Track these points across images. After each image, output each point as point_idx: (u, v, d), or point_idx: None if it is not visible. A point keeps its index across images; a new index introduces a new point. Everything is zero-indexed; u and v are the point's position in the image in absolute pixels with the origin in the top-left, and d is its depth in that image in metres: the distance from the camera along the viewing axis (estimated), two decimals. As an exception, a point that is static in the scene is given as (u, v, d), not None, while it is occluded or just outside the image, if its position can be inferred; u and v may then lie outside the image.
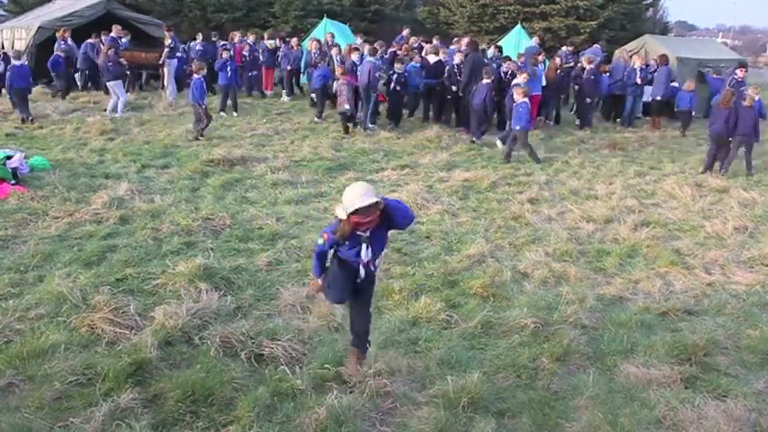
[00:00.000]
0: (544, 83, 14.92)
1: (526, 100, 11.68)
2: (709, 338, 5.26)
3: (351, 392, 4.40)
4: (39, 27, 16.61)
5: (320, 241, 4.30)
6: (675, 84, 16.09)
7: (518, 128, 11.62)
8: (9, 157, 8.99)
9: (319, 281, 4.51)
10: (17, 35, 17.79)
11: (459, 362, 4.90)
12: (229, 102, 14.91)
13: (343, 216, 4.07)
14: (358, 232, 4.18)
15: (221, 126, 13.53)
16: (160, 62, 16.53)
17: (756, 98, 11.75)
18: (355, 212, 4.00)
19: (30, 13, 21.01)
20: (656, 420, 4.30)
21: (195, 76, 12.40)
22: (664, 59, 15.92)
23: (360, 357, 4.66)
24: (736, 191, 10.16)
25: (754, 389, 4.72)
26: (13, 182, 8.59)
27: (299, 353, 4.86)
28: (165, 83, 16.47)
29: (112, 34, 16.15)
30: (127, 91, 16.46)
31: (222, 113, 14.40)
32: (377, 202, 4.00)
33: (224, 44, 16.83)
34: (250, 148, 11.62)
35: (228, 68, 14.50)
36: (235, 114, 14.47)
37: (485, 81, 12.91)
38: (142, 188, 8.92)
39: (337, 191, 9.28)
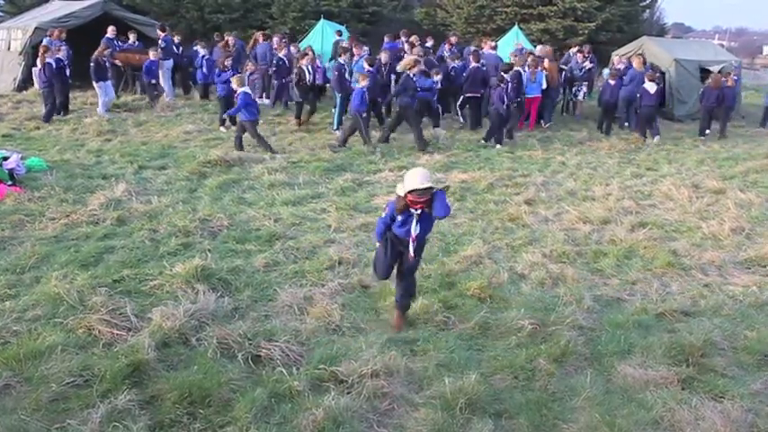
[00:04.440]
0: (545, 86, 14.94)
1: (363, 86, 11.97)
2: (706, 339, 5.27)
3: (348, 393, 4.40)
4: (35, 28, 16.57)
5: (383, 214, 5.26)
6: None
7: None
8: (6, 158, 8.98)
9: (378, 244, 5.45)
10: (13, 36, 17.74)
11: (456, 363, 4.90)
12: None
13: (401, 194, 4.96)
14: (411, 209, 5.02)
15: (219, 128, 13.51)
16: None
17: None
18: (412, 192, 4.86)
19: (27, 14, 20.96)
20: (653, 421, 4.31)
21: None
22: (637, 61, 15.68)
23: (401, 317, 5.46)
24: (732, 192, 10.18)
25: (751, 390, 4.73)
26: (9, 183, 8.57)
27: (297, 354, 4.86)
28: (161, 83, 16.43)
29: (108, 35, 16.13)
30: (122, 90, 16.48)
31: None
32: (431, 186, 4.88)
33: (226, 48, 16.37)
34: (247, 149, 11.61)
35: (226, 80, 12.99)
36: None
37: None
38: (139, 189, 8.91)
39: (335, 192, 9.29)
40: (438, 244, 7.39)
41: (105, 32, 16.26)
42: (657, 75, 15.36)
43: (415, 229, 5.11)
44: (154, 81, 15.41)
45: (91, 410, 4.05)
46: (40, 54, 13.24)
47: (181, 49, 17.34)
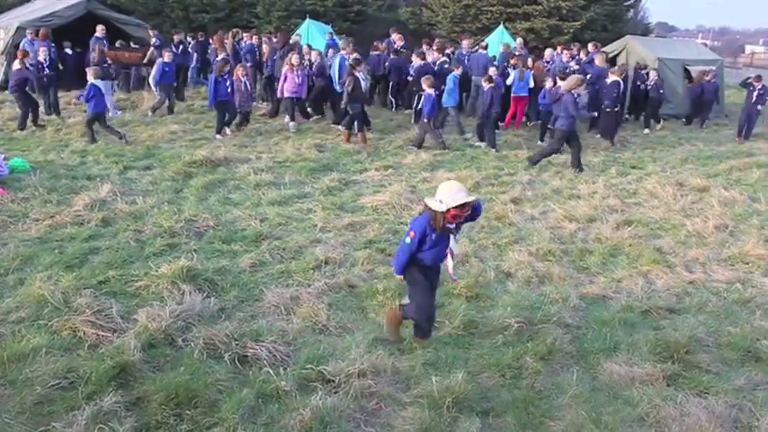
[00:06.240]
0: (531, 84, 14.97)
1: (431, 92, 12.19)
2: (690, 336, 5.31)
3: (335, 393, 4.40)
4: (17, 27, 16.43)
5: (407, 240, 4.77)
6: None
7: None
8: (-12, 159, 8.90)
9: (399, 277, 5.03)
10: (-5, 35, 17.58)
11: (443, 362, 4.91)
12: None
13: (443, 209, 4.57)
14: (447, 225, 4.69)
15: (204, 128, 13.45)
16: (144, 61, 16.48)
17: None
18: (458, 206, 4.54)
19: (8, 13, 20.76)
20: (638, 418, 4.34)
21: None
22: (600, 58, 15.36)
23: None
24: (716, 190, 10.26)
25: (735, 385, 4.78)
26: (-8, 184, 8.49)
27: (284, 354, 4.85)
28: (152, 84, 16.31)
29: (97, 34, 16.02)
30: (114, 91, 16.38)
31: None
32: (473, 200, 4.62)
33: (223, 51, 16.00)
34: (233, 149, 11.57)
35: (228, 83, 12.61)
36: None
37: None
38: (124, 190, 8.85)
39: (321, 192, 9.28)
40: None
41: (90, 32, 16.11)
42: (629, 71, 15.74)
43: (453, 243, 4.84)
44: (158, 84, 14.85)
45: (76, 413, 4.02)
46: (18, 57, 13.03)
47: (181, 48, 17.10)
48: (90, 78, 11.60)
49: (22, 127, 12.57)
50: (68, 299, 5.45)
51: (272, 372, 4.59)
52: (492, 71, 13.44)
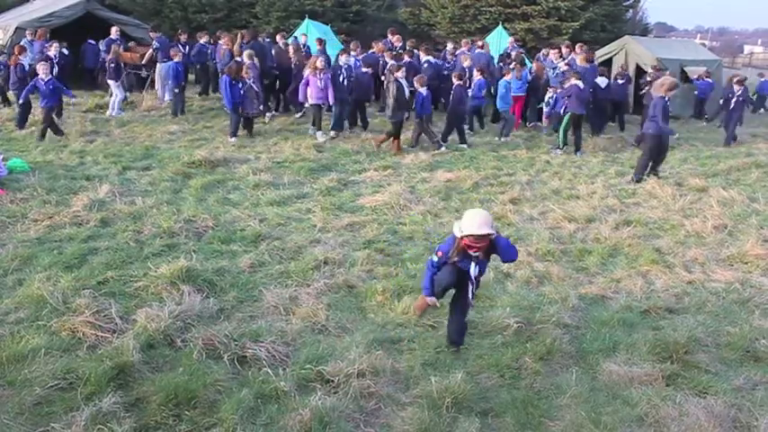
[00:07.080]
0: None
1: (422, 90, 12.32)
2: (689, 336, 5.31)
3: (335, 393, 4.40)
4: (16, 27, 16.42)
5: (435, 258, 4.84)
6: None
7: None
8: (-13, 160, 8.89)
9: (428, 299, 4.97)
10: (-6, 36, 17.57)
11: (442, 362, 4.91)
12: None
13: (458, 235, 4.64)
14: (470, 252, 4.70)
15: (203, 128, 13.45)
16: (143, 62, 16.52)
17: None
18: (468, 236, 4.57)
19: (7, 14, 20.75)
20: (638, 418, 4.34)
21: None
22: (581, 57, 15.17)
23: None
24: (715, 190, 10.26)
25: (734, 385, 4.78)
26: (-9, 184, 8.49)
27: (283, 354, 4.85)
28: (156, 85, 16.34)
29: (112, 36, 16.11)
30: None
31: (231, 139, 12.52)
32: (489, 233, 4.58)
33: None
34: (232, 150, 11.58)
35: (241, 85, 12.47)
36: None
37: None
38: (123, 190, 8.85)
39: (320, 192, 9.28)
40: (423, 243, 7.40)
41: (86, 33, 16.18)
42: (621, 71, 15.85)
43: (474, 271, 4.81)
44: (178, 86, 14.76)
45: (75, 413, 4.02)
46: (14, 54, 13.04)
47: (187, 48, 17.01)
48: (44, 74, 11.83)
49: (21, 126, 12.57)
50: (67, 299, 5.45)
51: (271, 372, 4.59)
52: (476, 74, 13.56)
